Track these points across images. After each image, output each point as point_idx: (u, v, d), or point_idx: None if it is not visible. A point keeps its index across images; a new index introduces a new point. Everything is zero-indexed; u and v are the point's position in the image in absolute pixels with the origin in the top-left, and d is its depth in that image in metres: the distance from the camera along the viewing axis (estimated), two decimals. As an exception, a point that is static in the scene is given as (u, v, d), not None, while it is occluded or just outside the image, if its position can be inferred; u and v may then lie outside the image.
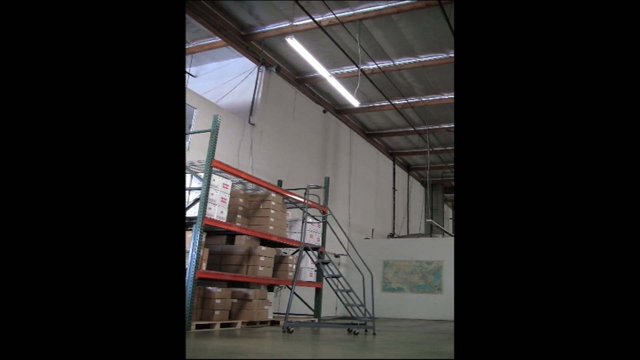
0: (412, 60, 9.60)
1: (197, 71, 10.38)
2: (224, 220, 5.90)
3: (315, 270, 7.96)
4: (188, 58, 9.78)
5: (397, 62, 9.71)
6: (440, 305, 10.63)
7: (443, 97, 11.17)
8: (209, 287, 5.94)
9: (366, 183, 13.71)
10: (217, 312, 5.80)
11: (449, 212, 19.56)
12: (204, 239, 5.47)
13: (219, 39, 8.81)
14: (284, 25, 8.61)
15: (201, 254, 5.38)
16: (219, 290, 5.96)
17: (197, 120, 7.86)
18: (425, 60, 9.52)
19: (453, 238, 9.82)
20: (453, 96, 10.65)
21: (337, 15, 8.05)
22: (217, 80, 9.72)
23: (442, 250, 11.11)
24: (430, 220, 12.59)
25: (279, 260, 7.42)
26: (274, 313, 7.29)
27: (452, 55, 9.10)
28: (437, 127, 12.80)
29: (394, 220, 14.78)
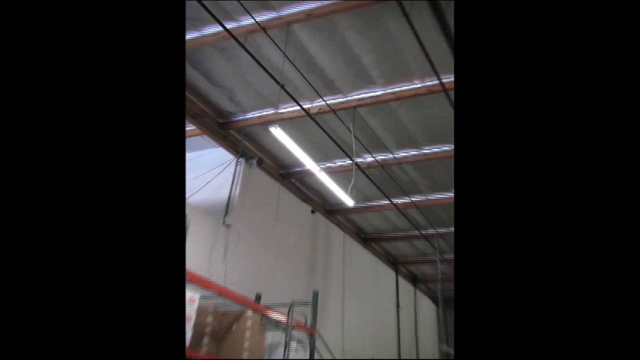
0: (415, 152, 8.97)
1: (169, 164, 9.52)
2: (186, 345, 4.75)
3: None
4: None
5: (397, 155, 9.04)
6: None
7: (452, 195, 10.41)
8: None
9: (364, 298, 12.70)
10: None
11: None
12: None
13: (194, 127, 8.17)
14: (268, 112, 8.04)
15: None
16: None
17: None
18: (430, 153, 8.88)
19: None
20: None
21: (328, 102, 7.39)
22: (189, 173, 9.00)
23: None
24: (445, 346, 10.41)
25: (251, 404, 6.13)
26: None
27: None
28: (447, 230, 11.83)
29: (399, 345, 13.05)
